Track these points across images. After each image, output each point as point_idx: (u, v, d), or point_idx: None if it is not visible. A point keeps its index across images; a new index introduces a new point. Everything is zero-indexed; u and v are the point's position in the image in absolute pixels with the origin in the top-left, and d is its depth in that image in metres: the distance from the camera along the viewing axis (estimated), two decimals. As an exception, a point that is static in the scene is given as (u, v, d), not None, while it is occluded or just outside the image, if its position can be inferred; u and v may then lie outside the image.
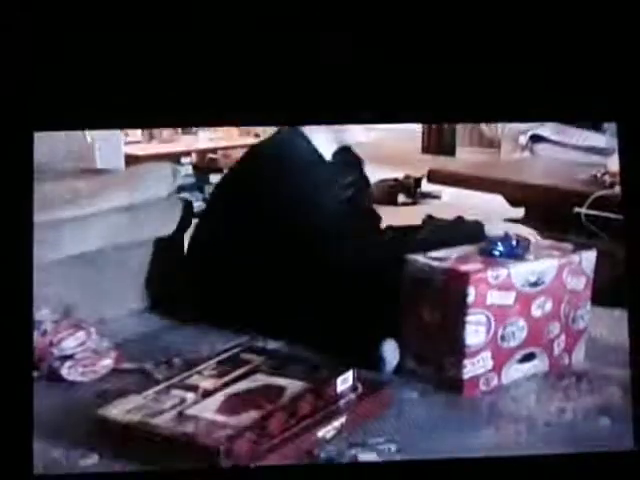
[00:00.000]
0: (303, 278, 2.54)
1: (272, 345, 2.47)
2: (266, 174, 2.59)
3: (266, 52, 2.34)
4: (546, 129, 4.97)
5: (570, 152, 4.71)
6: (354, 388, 2.15)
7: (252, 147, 2.96)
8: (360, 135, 2.70)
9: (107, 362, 2.36)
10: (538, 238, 2.55)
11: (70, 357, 2.34)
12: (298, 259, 2.55)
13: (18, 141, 2.23)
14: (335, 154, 2.72)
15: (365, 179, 2.94)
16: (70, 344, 2.37)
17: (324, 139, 2.67)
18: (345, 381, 2.13)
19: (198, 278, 2.73)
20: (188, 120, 2.54)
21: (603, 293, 2.62)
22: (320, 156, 2.67)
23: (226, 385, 2.10)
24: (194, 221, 2.90)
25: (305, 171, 2.59)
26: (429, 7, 2.33)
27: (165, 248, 2.86)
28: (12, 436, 1.99)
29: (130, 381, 2.28)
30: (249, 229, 2.61)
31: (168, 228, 2.86)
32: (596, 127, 4.90)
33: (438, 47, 2.34)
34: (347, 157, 2.79)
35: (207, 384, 2.10)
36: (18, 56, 2.29)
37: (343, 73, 2.34)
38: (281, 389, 2.07)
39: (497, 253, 2.35)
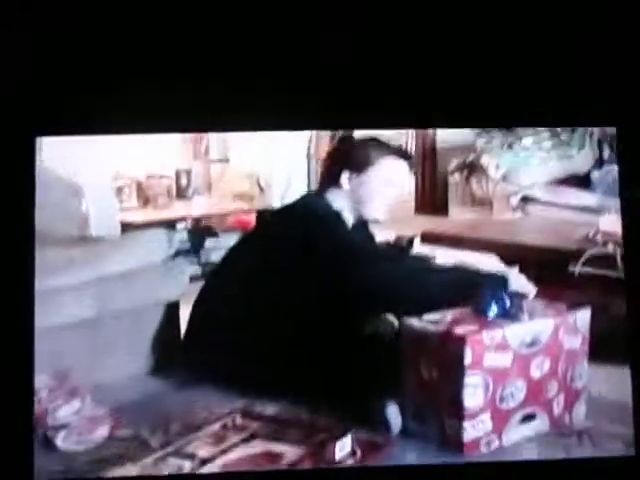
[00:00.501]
0: (304, 341, 2.55)
1: (270, 409, 2.46)
2: (298, 234, 2.66)
3: (266, 52, 2.36)
4: (537, 190, 5.00)
5: (562, 212, 4.73)
6: (353, 452, 2.13)
7: (276, 211, 3.07)
8: (378, 212, 2.77)
9: (103, 430, 2.34)
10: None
11: (65, 426, 2.33)
12: (299, 322, 2.57)
13: (21, 146, 2.25)
14: (353, 227, 2.79)
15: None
16: (65, 412, 2.36)
17: (346, 210, 2.75)
18: (344, 446, 2.12)
19: (198, 342, 2.73)
20: (191, 126, 2.55)
21: (600, 350, 2.62)
22: (347, 225, 2.74)
23: (224, 452, 2.08)
24: (190, 285, 2.90)
25: (337, 234, 2.67)
26: (430, 9, 2.35)
27: (161, 313, 2.86)
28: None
29: (126, 448, 2.27)
30: (261, 292, 2.65)
31: (164, 294, 2.86)
32: (587, 186, 4.93)
33: (438, 51, 2.36)
34: (363, 232, 2.85)
35: (204, 452, 2.09)
36: (20, 61, 2.31)
37: (343, 73, 2.37)
38: (279, 455, 2.05)
39: (491, 314, 2.35)
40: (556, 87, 2.36)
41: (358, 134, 2.87)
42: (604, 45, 2.34)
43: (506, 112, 2.42)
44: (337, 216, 2.71)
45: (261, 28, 2.36)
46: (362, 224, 2.82)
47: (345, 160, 2.79)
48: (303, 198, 2.87)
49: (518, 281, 2.60)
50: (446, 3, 2.38)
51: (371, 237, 2.94)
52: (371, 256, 2.62)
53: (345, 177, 2.75)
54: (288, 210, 2.86)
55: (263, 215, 3.00)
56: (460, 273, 2.62)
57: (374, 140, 2.85)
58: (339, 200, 2.76)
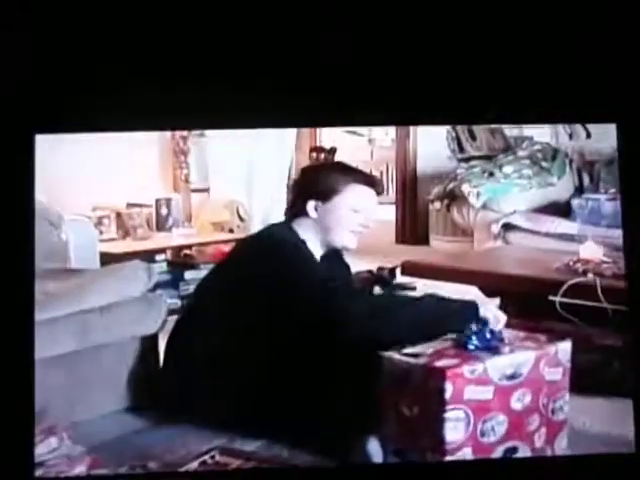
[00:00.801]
0: (282, 377, 2.50)
1: (250, 446, 2.44)
2: (258, 267, 2.60)
3: (266, 52, 2.36)
4: (518, 218, 5.02)
5: (542, 239, 4.75)
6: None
7: (242, 240, 3.03)
8: (346, 240, 2.74)
9: (81, 468, 2.31)
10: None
11: (42, 464, 2.30)
12: (277, 358, 2.52)
13: (19, 144, 2.24)
14: (323, 257, 2.76)
15: (353, 284, 3.01)
16: (41, 451, 2.32)
17: (313, 240, 2.72)
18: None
19: (175, 378, 2.69)
20: (189, 123, 2.53)
21: (582, 381, 2.62)
22: (312, 255, 2.71)
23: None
24: (169, 319, 2.88)
25: (299, 266, 2.61)
26: (430, 9, 2.35)
27: (140, 348, 2.83)
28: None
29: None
30: (229, 325, 2.60)
31: (142, 327, 2.83)
32: (567, 214, 4.95)
33: (438, 49, 2.36)
34: (336, 261, 2.83)
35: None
36: (20, 59, 2.30)
37: (343, 73, 2.36)
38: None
39: (472, 347, 2.34)
40: (556, 84, 2.36)
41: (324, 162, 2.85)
42: (603, 42, 2.35)
43: (507, 110, 2.42)
44: (301, 246, 2.68)
45: (255, 27, 2.37)
46: (335, 253, 2.80)
47: (311, 189, 2.77)
48: (268, 228, 2.84)
49: (489, 309, 2.59)
50: (448, 5, 2.38)
51: (346, 266, 2.92)
52: (334, 290, 2.59)
53: (311, 206, 2.72)
54: (253, 240, 2.83)
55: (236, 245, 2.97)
56: (430, 303, 2.60)
57: (340, 167, 2.87)
58: (306, 229, 2.73)
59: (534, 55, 2.37)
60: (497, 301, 3.70)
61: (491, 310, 2.59)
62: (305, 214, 2.72)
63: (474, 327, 2.41)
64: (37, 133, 2.28)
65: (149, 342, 2.86)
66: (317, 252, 2.74)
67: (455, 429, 2.21)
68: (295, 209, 2.77)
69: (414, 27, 2.40)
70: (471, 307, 2.57)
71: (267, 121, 2.57)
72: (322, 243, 2.74)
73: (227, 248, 4.61)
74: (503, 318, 2.56)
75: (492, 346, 2.35)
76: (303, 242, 2.70)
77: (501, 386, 2.28)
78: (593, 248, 3.70)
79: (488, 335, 2.38)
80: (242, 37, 2.38)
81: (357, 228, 2.73)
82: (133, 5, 2.35)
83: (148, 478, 2.05)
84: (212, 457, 2.22)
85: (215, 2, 2.38)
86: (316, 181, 2.77)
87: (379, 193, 2.81)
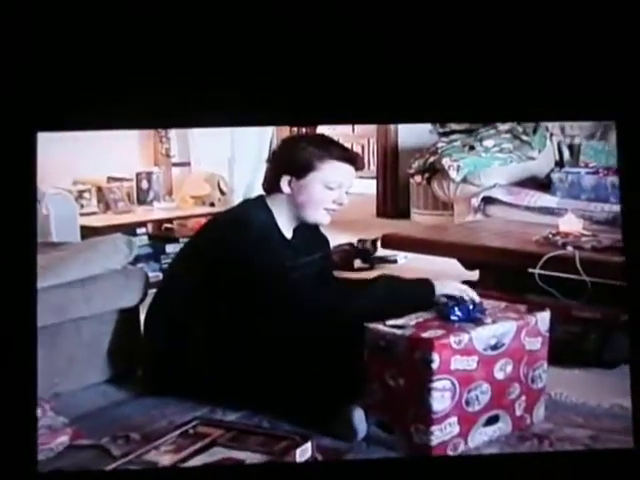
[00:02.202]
0: (262, 347, 2.51)
1: (231, 416, 2.45)
2: (223, 244, 2.60)
3: (267, 52, 2.35)
4: (498, 191, 5.03)
5: (522, 213, 4.76)
6: (314, 459, 2.13)
7: (214, 218, 2.98)
8: (319, 216, 2.72)
9: (63, 439, 2.31)
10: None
11: (25, 435, 2.30)
12: (256, 328, 2.53)
13: (21, 141, 2.23)
14: (297, 230, 2.75)
15: (329, 258, 3.00)
16: (25, 422, 2.33)
17: (286, 215, 2.71)
18: (304, 452, 2.11)
19: (155, 350, 2.70)
20: (189, 121, 2.53)
21: (560, 352, 2.64)
22: (281, 238, 2.70)
23: (184, 460, 2.07)
24: (150, 292, 2.88)
25: (263, 243, 2.59)
26: (430, 8, 2.35)
27: (121, 320, 2.84)
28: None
29: (87, 457, 2.24)
30: (207, 298, 2.60)
31: (123, 300, 2.84)
32: (547, 187, 4.97)
33: (438, 47, 2.36)
34: (312, 236, 2.81)
35: (165, 460, 2.07)
36: (21, 55, 2.30)
37: (343, 73, 2.36)
38: (240, 462, 2.05)
39: (455, 318, 2.35)
40: (555, 81, 2.36)
41: (303, 134, 2.82)
42: (602, 38, 2.35)
43: (505, 107, 2.41)
44: (269, 231, 2.66)
45: (261, 29, 2.36)
46: (312, 226, 2.78)
47: (285, 164, 2.71)
48: (241, 206, 2.84)
49: (448, 286, 2.59)
50: (447, 3, 2.38)
51: (325, 239, 2.91)
52: (294, 281, 2.59)
53: (285, 181, 2.68)
54: (223, 220, 2.80)
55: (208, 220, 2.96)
56: (385, 287, 2.61)
57: (319, 141, 2.78)
58: (279, 205, 2.71)
59: (533, 51, 2.37)
60: (476, 274, 3.74)
61: (452, 286, 2.59)
62: (279, 189, 2.69)
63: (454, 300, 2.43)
64: (39, 131, 2.28)
65: (130, 314, 2.87)
66: (289, 228, 2.72)
67: (442, 399, 2.23)
68: (269, 184, 2.74)
69: (415, 27, 2.39)
70: (426, 287, 2.58)
71: (248, 119, 2.55)
72: (294, 218, 2.72)
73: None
74: (472, 294, 2.57)
75: (474, 317, 2.36)
76: (274, 223, 2.68)
77: (485, 356, 2.30)
78: (572, 221, 3.72)
79: (470, 306, 2.40)
80: (242, 38, 2.38)
81: (331, 205, 2.70)
82: (136, 7, 2.34)
83: (149, 473, 2.06)
84: (193, 427, 2.22)
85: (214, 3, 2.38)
86: (292, 156, 2.72)
87: (358, 169, 2.77)
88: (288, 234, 2.73)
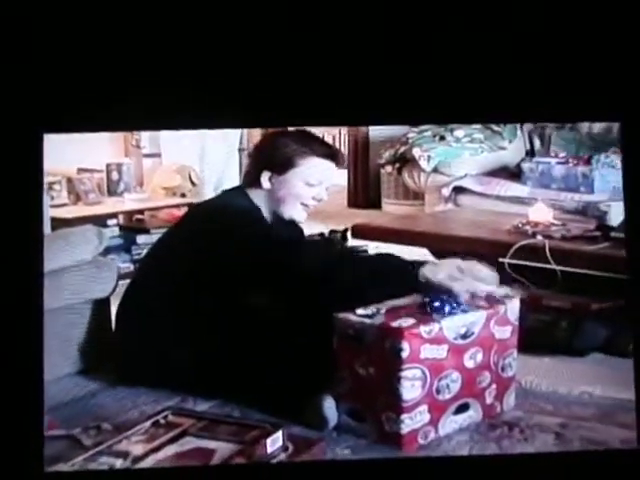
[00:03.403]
0: (234, 336, 2.51)
1: (202, 406, 2.45)
2: (212, 232, 2.58)
3: (267, 52, 2.35)
4: (468, 181, 5.06)
5: (493, 202, 4.79)
6: (285, 448, 2.14)
7: (196, 206, 3.01)
8: (296, 213, 2.72)
9: (34, 430, 2.31)
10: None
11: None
12: (229, 318, 2.53)
13: (28, 143, 2.23)
14: (274, 222, 2.73)
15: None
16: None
17: (264, 209, 2.71)
18: (275, 441, 2.12)
19: (127, 341, 2.69)
20: (192, 123, 2.52)
21: (530, 341, 2.66)
22: (266, 220, 2.70)
23: (155, 450, 2.07)
24: (122, 283, 2.87)
25: (255, 228, 2.60)
26: (431, 8, 2.35)
27: (92, 311, 2.83)
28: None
29: (58, 448, 2.23)
30: (187, 289, 2.59)
31: (94, 291, 2.83)
32: (518, 177, 4.99)
33: (440, 48, 2.36)
34: (288, 225, 2.78)
35: (136, 450, 2.07)
36: (26, 57, 2.29)
37: (343, 74, 2.36)
38: (210, 452, 2.05)
39: (446, 311, 2.34)
40: (559, 82, 2.37)
41: (285, 129, 2.82)
42: (607, 39, 2.36)
43: (508, 108, 2.42)
44: (255, 212, 2.68)
45: (261, 29, 2.37)
46: (284, 222, 2.75)
47: (266, 160, 2.72)
48: (222, 196, 2.84)
49: (443, 269, 2.57)
50: (450, 3, 2.39)
51: (300, 231, 2.91)
52: (293, 248, 2.58)
53: (265, 177, 2.69)
54: (208, 206, 2.83)
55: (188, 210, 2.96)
56: (382, 260, 2.61)
57: (300, 137, 2.74)
58: (258, 199, 2.71)
59: (536, 52, 2.37)
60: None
61: (452, 275, 2.49)
62: (259, 185, 2.69)
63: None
64: (45, 132, 2.29)
65: (101, 305, 2.86)
66: (267, 220, 2.73)
67: (412, 387, 2.23)
68: (249, 178, 2.75)
69: (415, 27, 2.39)
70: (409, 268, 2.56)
71: (201, 120, 2.54)
72: (271, 212, 2.72)
73: (179, 212, 4.60)
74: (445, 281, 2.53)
75: (453, 312, 2.36)
76: (258, 209, 2.70)
77: (455, 345, 2.31)
78: (543, 210, 3.74)
79: (453, 305, 2.37)
80: (242, 39, 2.38)
81: (309, 202, 2.71)
82: (140, 9, 2.34)
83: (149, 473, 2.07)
84: (165, 417, 2.22)
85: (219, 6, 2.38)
86: (273, 151, 2.71)
87: (340, 166, 2.79)
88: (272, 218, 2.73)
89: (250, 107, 2.40)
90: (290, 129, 2.79)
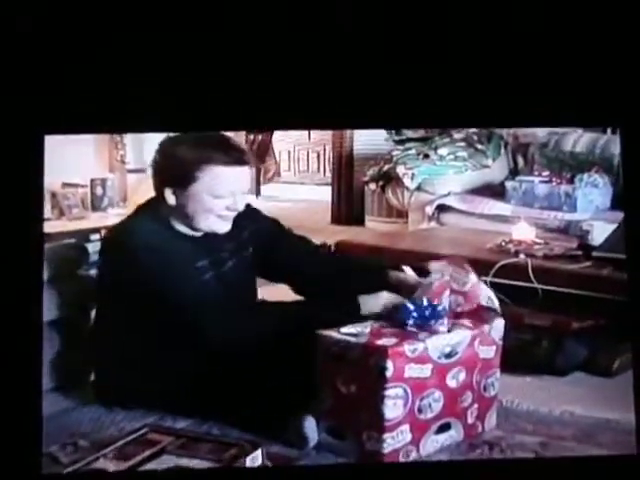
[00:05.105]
0: (212, 355, 2.45)
1: (181, 424, 2.42)
2: (126, 255, 2.47)
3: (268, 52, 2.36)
4: (452, 199, 5.06)
5: (476, 221, 4.79)
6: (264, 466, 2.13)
7: (111, 229, 2.76)
8: (215, 225, 2.54)
9: (11, 447, 2.29)
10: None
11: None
12: (206, 338, 2.44)
13: (28, 145, 2.23)
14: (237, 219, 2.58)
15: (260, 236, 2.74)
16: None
17: (179, 223, 2.55)
18: (254, 460, 2.11)
19: (102, 358, 2.64)
20: (195, 124, 2.49)
21: (513, 360, 2.65)
22: (178, 233, 2.55)
23: (133, 468, 2.06)
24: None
25: (155, 251, 2.45)
26: (431, 10, 2.35)
27: (70, 327, 2.80)
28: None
29: (46, 473, 2.22)
30: (136, 308, 2.48)
31: (73, 307, 2.81)
32: (501, 195, 5.00)
33: (440, 51, 2.36)
34: (248, 221, 2.65)
35: (114, 467, 2.06)
36: (28, 60, 2.29)
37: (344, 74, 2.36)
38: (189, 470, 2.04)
39: (411, 322, 2.34)
40: (559, 87, 2.37)
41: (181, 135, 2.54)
42: (608, 43, 2.37)
43: (509, 112, 2.42)
44: (155, 235, 2.50)
45: (261, 29, 2.37)
46: (250, 212, 2.63)
47: (165, 175, 2.51)
48: (134, 219, 2.61)
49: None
50: (449, 6, 2.39)
51: (272, 220, 2.77)
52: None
53: (169, 193, 2.48)
54: (120, 233, 2.62)
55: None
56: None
57: (196, 145, 2.49)
58: (171, 215, 2.53)
59: (537, 57, 2.38)
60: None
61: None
62: (165, 200, 2.50)
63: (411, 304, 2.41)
64: (46, 134, 2.28)
65: (79, 322, 2.83)
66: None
67: (395, 406, 2.23)
68: (157, 193, 2.55)
69: (414, 30, 2.39)
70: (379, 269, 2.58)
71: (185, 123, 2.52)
72: (189, 227, 2.55)
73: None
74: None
75: (430, 323, 2.35)
76: (166, 225, 2.53)
77: (439, 364, 2.30)
78: (525, 229, 3.76)
79: (427, 312, 2.37)
80: (243, 40, 2.39)
81: (224, 213, 2.52)
82: (141, 10, 2.35)
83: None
84: (143, 434, 2.21)
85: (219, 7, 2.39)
86: (169, 165, 2.50)
87: (249, 165, 2.55)
88: (192, 232, 2.57)
89: (244, 110, 2.40)
90: (185, 135, 2.55)
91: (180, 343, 2.47)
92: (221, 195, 2.49)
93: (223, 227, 2.56)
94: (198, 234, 2.57)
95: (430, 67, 2.39)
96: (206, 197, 2.48)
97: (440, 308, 2.41)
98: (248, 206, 2.62)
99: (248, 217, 2.64)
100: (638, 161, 2.36)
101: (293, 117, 2.46)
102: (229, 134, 2.63)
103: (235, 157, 2.51)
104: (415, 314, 2.36)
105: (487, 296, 2.54)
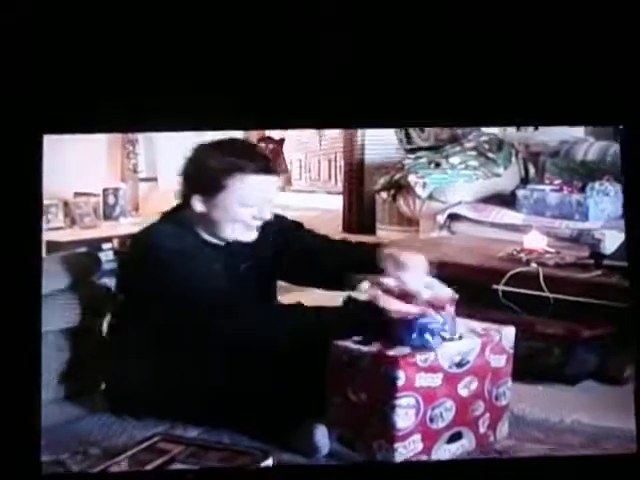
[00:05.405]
0: (224, 362, 2.45)
1: (192, 432, 2.43)
2: (151, 263, 2.48)
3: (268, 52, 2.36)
4: (463, 208, 5.05)
5: (487, 229, 4.78)
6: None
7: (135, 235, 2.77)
8: (241, 234, 2.56)
9: (22, 455, 2.30)
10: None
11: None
12: (219, 345, 2.44)
13: (27, 144, 2.24)
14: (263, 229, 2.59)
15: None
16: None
17: (203, 231, 2.56)
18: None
19: (114, 366, 2.64)
20: (194, 123, 2.49)
21: (524, 368, 2.65)
22: (203, 240, 2.56)
23: (144, 475, 2.06)
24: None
25: (176, 258, 2.45)
26: (433, 9, 2.36)
27: (82, 336, 2.81)
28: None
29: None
30: (153, 316, 2.49)
31: (86, 316, 2.81)
32: (512, 204, 4.99)
33: (442, 50, 2.37)
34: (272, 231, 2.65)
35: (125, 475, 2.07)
36: (26, 58, 2.30)
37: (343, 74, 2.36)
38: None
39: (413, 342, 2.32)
40: (563, 85, 2.38)
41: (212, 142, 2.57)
42: (609, 42, 2.37)
43: (513, 112, 2.42)
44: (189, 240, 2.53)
45: (261, 29, 2.38)
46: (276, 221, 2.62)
47: (194, 183, 2.52)
48: (158, 225, 2.63)
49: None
50: (451, 6, 2.40)
51: (296, 224, 2.77)
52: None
53: (196, 200, 2.50)
54: (143, 240, 2.62)
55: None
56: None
57: (227, 154, 2.51)
58: (196, 223, 2.55)
59: (540, 56, 2.39)
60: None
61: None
62: (191, 208, 2.52)
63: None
64: (45, 133, 2.28)
65: (92, 330, 2.84)
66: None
67: (406, 415, 2.23)
68: (183, 200, 2.57)
69: (415, 28, 2.40)
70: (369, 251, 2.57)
71: (214, 124, 2.53)
72: (213, 235, 2.56)
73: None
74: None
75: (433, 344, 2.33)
76: (195, 235, 2.55)
77: (450, 373, 2.30)
78: (537, 238, 3.75)
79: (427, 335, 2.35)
80: (242, 39, 2.39)
81: (251, 222, 2.53)
82: (140, 9, 2.35)
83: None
84: (154, 443, 2.22)
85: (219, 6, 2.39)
86: (199, 173, 2.52)
87: (278, 174, 2.60)
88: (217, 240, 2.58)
89: (250, 109, 2.41)
90: (219, 141, 2.57)
91: (194, 349, 2.46)
92: (249, 204, 2.51)
93: (249, 236, 2.57)
94: (222, 242, 2.58)
95: (429, 67, 2.40)
96: (234, 206, 2.50)
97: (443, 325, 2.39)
98: (275, 215, 2.63)
99: (273, 225, 2.64)
100: (638, 161, 2.36)
101: (304, 117, 2.46)
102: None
103: (263, 165, 2.53)
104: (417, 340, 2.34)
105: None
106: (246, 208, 2.52)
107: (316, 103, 2.41)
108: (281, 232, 2.69)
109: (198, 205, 2.52)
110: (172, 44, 2.39)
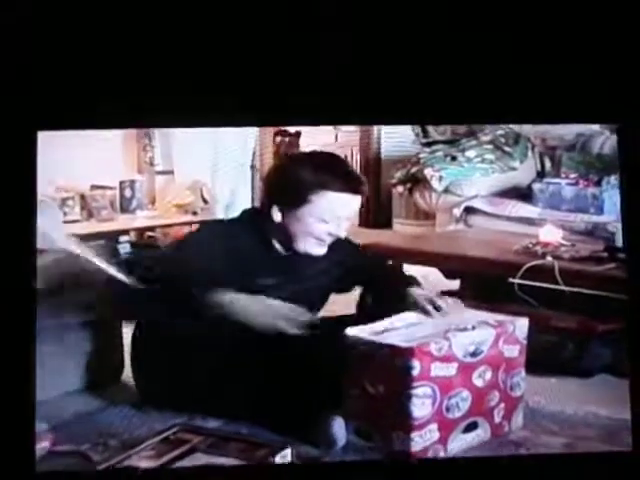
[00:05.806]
0: (241, 354, 2.47)
1: (211, 424, 2.45)
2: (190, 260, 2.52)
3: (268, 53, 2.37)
4: (479, 201, 5.06)
5: (503, 223, 4.79)
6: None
7: (201, 229, 2.88)
8: (311, 248, 2.59)
9: (43, 445, 2.31)
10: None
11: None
12: (234, 337, 2.47)
13: (21, 141, 2.25)
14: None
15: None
16: (5, 428, 2.33)
17: (276, 241, 2.61)
18: (283, 459, 2.13)
19: (135, 359, 2.68)
20: (190, 120, 2.50)
21: (539, 361, 2.66)
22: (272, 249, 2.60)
23: (164, 466, 2.08)
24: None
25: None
26: (433, 9, 2.37)
27: (103, 328, 2.83)
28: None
29: (67, 463, 2.25)
30: (181, 309, 2.48)
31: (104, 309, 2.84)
32: (528, 198, 5.00)
33: (440, 49, 2.37)
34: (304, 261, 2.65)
35: (145, 466, 2.08)
36: (21, 55, 2.31)
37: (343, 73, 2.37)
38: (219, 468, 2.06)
39: None
40: (559, 84, 2.38)
41: (299, 155, 2.67)
42: (607, 40, 2.37)
43: (509, 109, 2.43)
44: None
45: (261, 29, 2.39)
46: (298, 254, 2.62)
47: (276, 193, 2.55)
48: (234, 224, 2.68)
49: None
50: (450, 5, 2.40)
51: (353, 246, 2.83)
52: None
53: (275, 210, 2.53)
54: (214, 234, 2.64)
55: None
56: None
57: (314, 168, 2.52)
58: (270, 231, 2.59)
59: (537, 54, 2.39)
60: (457, 283, 3.76)
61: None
62: (270, 216, 2.55)
63: None
64: (39, 130, 2.30)
65: (113, 322, 2.87)
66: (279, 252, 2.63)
67: (422, 405, 2.24)
68: (262, 208, 2.60)
69: (415, 28, 2.40)
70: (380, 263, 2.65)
71: (230, 120, 2.53)
72: (284, 246, 2.60)
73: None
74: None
75: None
76: (268, 242, 2.59)
77: (464, 363, 2.32)
78: (552, 231, 3.75)
79: None
80: (242, 39, 2.40)
81: (325, 238, 2.56)
82: (136, 5, 2.37)
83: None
84: (174, 433, 2.24)
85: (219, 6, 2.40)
86: (283, 185, 2.55)
87: (361, 194, 2.56)
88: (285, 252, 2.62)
89: (250, 109, 2.41)
90: (310, 154, 2.64)
91: (215, 343, 2.48)
92: (328, 220, 2.52)
93: (320, 250, 2.59)
94: (288, 253, 2.62)
95: (429, 67, 2.40)
96: (312, 220, 2.52)
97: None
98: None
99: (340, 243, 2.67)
100: (638, 160, 2.36)
101: (304, 117, 2.47)
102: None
103: (353, 186, 2.54)
104: None
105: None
106: (324, 224, 2.54)
107: (316, 103, 2.41)
108: (341, 249, 2.70)
109: (277, 215, 2.55)
110: (172, 43, 2.39)
